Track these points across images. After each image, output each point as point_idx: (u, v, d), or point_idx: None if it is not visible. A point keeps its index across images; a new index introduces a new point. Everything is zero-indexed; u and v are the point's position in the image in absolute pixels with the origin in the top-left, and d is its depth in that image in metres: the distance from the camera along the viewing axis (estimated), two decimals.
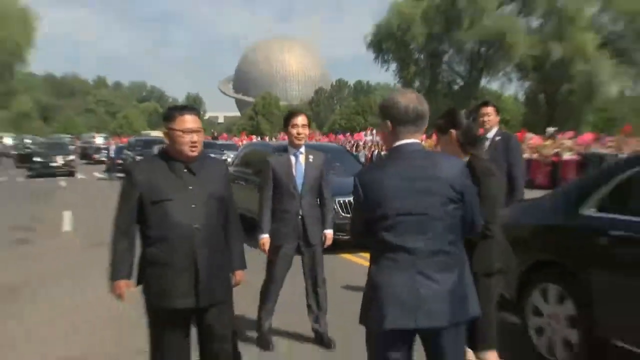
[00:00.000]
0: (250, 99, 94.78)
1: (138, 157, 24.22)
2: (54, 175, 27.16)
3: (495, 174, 3.46)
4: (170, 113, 3.12)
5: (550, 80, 36.61)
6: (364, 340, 2.65)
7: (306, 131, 4.81)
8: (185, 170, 3.09)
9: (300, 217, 4.72)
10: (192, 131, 3.04)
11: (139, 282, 3.14)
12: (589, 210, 4.23)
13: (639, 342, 3.78)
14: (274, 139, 38.14)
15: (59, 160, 28.23)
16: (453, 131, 3.32)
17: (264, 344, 4.83)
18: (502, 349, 4.63)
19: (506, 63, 38.06)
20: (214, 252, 3.10)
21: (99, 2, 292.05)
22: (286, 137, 4.92)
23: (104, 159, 35.51)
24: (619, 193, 4.15)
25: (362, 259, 7.66)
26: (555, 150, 22.25)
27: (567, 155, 21.74)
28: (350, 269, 7.42)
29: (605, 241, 3.98)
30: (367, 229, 2.55)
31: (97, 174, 29.97)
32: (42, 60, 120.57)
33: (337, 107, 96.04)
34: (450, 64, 41.31)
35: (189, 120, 3.05)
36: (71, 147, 34.54)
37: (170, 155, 3.11)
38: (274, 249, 4.75)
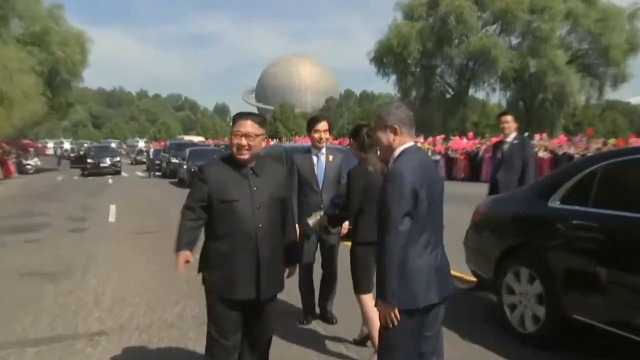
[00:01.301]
0: (270, 107, 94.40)
1: (173, 158, 24.23)
2: (103, 174, 27.12)
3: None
4: (234, 117, 2.96)
5: (527, 90, 36.42)
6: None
7: (327, 135, 4.65)
8: (251, 172, 2.89)
9: (321, 209, 4.51)
10: (241, 135, 2.83)
11: (200, 270, 2.95)
12: (555, 203, 4.21)
13: (595, 316, 3.74)
14: (288, 141, 38.27)
15: (108, 162, 28.17)
16: (353, 141, 3.91)
17: (302, 318, 4.75)
18: (482, 321, 4.68)
19: (490, 75, 37.84)
20: (273, 249, 2.91)
21: (140, 25, 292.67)
22: (299, 139, 4.76)
23: (144, 160, 34.90)
24: (578, 188, 4.10)
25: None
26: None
27: (542, 154, 21.62)
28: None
29: (567, 229, 3.97)
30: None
31: (138, 173, 30.04)
32: (93, 74, 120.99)
33: (345, 113, 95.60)
34: (442, 76, 40.99)
35: (242, 125, 2.84)
36: (118, 150, 34.30)
37: (235, 158, 2.89)
38: (301, 237, 4.41)
